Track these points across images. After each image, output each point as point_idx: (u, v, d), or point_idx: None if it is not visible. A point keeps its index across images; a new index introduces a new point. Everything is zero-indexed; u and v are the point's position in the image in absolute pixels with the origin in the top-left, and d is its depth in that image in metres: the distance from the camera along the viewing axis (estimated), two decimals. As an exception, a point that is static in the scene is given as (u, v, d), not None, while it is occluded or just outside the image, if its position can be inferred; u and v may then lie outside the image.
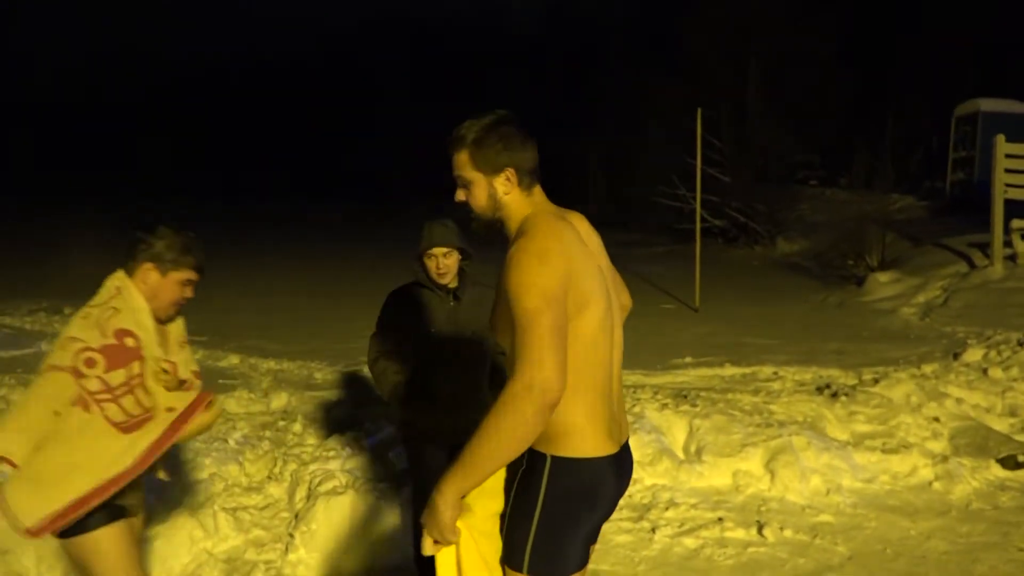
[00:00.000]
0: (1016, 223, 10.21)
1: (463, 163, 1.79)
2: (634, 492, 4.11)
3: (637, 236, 18.54)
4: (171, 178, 37.11)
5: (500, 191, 1.78)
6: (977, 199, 14.21)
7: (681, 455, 4.48)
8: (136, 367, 2.15)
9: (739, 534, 3.76)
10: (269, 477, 4.24)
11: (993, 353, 6.49)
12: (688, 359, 7.13)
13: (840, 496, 4.16)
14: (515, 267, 1.64)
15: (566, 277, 1.64)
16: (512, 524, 1.73)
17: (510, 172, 1.77)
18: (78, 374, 2.08)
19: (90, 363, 2.09)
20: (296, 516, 3.69)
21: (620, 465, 1.78)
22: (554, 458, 1.70)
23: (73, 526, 2.12)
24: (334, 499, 3.58)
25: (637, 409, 4.74)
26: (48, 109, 39.67)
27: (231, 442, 4.60)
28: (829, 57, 18.40)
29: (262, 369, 7.33)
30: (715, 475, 4.28)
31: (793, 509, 4.04)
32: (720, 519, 3.86)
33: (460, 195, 1.82)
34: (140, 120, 40.66)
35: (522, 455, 1.67)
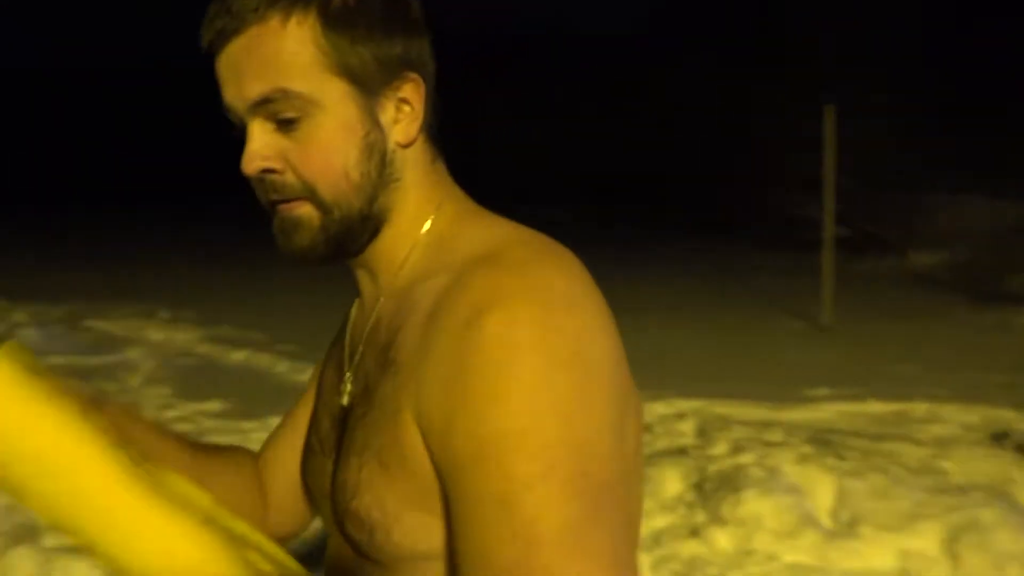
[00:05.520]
0: None
1: (293, 55, 0.71)
2: (771, 572, 3.27)
3: (742, 245, 17.34)
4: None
5: (396, 133, 0.77)
6: None
7: (829, 524, 3.59)
8: None
9: (915, 643, 2.87)
10: None
11: None
12: (823, 390, 6.14)
13: (1049, 594, 3.18)
14: (496, 391, 0.62)
15: (623, 398, 0.68)
16: None
17: (415, 83, 0.77)
18: None
19: None
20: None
21: None
22: None
23: None
24: None
25: (770, 462, 3.87)
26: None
27: None
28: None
29: None
30: (875, 554, 3.37)
31: (986, 610, 3.10)
32: (887, 618, 2.98)
33: (258, 153, 0.74)
34: None
35: None
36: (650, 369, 6.45)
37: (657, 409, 5.34)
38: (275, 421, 5.27)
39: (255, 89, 0.72)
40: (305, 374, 7.18)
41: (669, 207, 19.26)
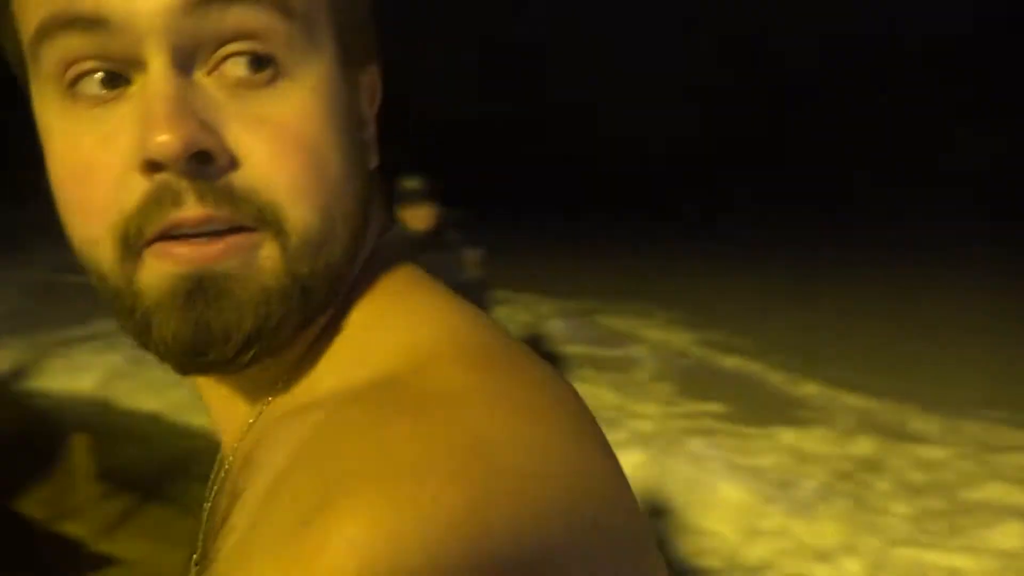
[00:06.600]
0: None
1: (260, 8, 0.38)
2: None
3: None
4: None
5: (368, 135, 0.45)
6: None
7: None
8: None
9: None
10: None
11: None
12: None
13: None
14: None
15: None
16: None
17: (376, 72, 0.46)
18: None
19: None
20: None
21: None
22: None
23: None
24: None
25: None
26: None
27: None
28: None
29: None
30: None
31: None
32: None
33: (189, 114, 0.37)
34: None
35: None
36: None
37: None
38: (776, 431, 5.30)
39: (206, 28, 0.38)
40: (800, 388, 7.00)
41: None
